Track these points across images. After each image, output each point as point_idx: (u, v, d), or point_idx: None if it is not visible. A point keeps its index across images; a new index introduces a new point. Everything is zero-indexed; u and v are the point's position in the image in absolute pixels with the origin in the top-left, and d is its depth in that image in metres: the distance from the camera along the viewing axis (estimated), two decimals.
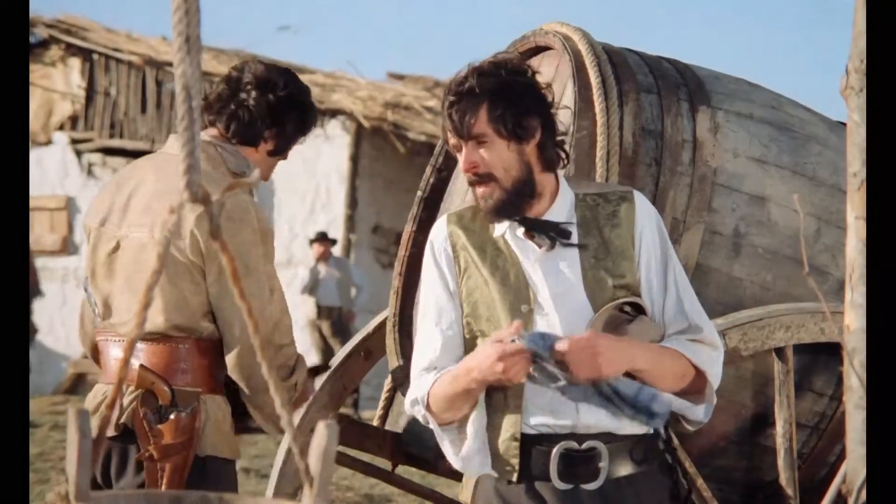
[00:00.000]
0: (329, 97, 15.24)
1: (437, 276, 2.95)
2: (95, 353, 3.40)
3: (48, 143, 16.62)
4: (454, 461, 2.92)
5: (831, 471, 3.51)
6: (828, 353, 3.44)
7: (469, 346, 2.91)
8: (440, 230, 2.99)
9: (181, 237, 3.12)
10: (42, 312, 14.80)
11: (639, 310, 2.88)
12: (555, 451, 2.83)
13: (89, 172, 16.32)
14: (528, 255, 2.88)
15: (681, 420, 2.91)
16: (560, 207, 2.91)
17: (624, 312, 2.87)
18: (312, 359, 13.33)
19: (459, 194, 3.79)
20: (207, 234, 3.10)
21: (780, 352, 3.33)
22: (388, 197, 15.34)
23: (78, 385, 14.87)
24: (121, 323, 3.23)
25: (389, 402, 4.03)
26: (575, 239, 2.88)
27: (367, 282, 14.17)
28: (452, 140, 2.90)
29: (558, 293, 2.84)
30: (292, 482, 3.88)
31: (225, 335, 3.15)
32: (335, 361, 4.05)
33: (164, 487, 3.07)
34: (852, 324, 2.07)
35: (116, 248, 3.22)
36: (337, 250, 14.22)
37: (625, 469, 2.86)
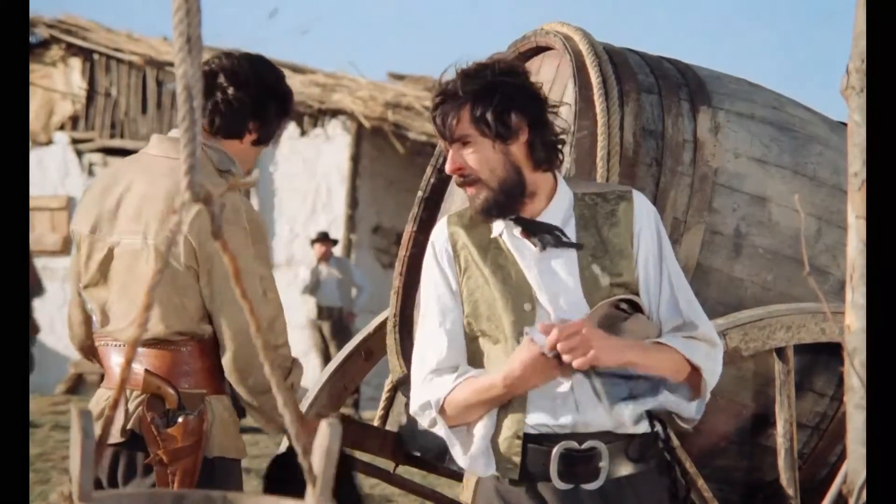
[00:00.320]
0: (330, 97, 15.24)
1: (439, 276, 2.95)
2: (88, 355, 3.40)
3: (49, 143, 16.63)
4: (462, 461, 2.92)
5: (832, 471, 3.51)
6: (828, 354, 3.44)
7: (470, 346, 2.91)
8: (441, 231, 2.99)
9: (175, 243, 3.11)
10: (43, 312, 14.80)
11: (636, 308, 2.89)
12: (555, 450, 2.83)
13: (90, 172, 16.32)
14: (525, 254, 2.88)
15: (675, 418, 2.90)
16: (557, 207, 2.91)
17: (620, 310, 2.87)
18: (313, 359, 13.34)
19: (460, 194, 3.78)
20: (199, 237, 3.10)
21: (780, 352, 3.33)
22: (389, 197, 15.34)
23: (79, 385, 14.88)
24: (118, 330, 3.22)
25: (390, 402, 4.03)
26: (573, 239, 2.88)
27: (368, 282, 14.17)
28: (441, 142, 2.93)
29: (555, 292, 2.84)
30: None
31: (220, 338, 3.15)
32: (336, 362, 4.05)
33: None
34: (853, 324, 2.07)
35: (109, 255, 3.21)
36: (338, 250, 14.21)
37: (625, 469, 2.86)
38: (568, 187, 2.96)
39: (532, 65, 3.74)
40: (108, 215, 3.23)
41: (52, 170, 16.53)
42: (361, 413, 11.98)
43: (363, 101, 15.10)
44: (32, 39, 16.51)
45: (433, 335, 2.93)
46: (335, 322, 13.72)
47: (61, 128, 16.65)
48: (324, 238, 13.78)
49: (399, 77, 17.69)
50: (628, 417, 2.84)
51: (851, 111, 2.07)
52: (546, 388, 2.83)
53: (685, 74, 3.60)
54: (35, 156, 16.32)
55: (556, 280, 2.85)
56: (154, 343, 3.15)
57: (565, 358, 2.69)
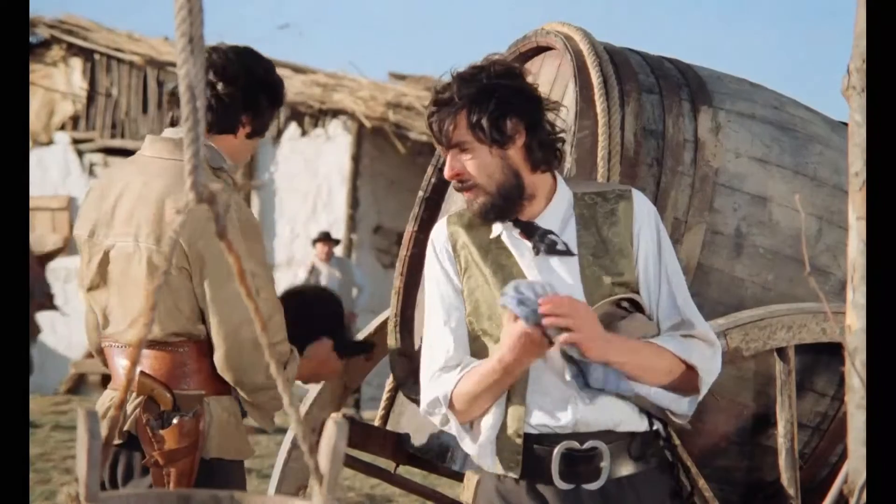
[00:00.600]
0: (331, 97, 15.24)
1: (441, 275, 2.95)
2: (103, 357, 3.41)
3: (50, 143, 16.63)
4: (472, 451, 2.91)
5: (833, 471, 3.51)
6: (829, 354, 3.44)
7: (473, 344, 2.91)
8: (441, 230, 3.00)
9: (165, 243, 3.11)
10: (44, 312, 14.79)
11: (637, 307, 2.89)
12: (556, 450, 2.84)
13: (91, 172, 16.33)
14: (525, 254, 2.88)
15: (668, 415, 2.90)
16: (556, 207, 2.91)
17: (621, 308, 2.88)
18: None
19: (460, 194, 3.79)
20: (189, 237, 3.09)
21: (781, 352, 3.33)
22: (390, 197, 15.35)
23: (80, 385, 14.89)
24: (118, 332, 3.23)
25: (391, 402, 4.03)
26: (573, 246, 2.88)
27: (369, 282, 14.17)
28: (438, 147, 2.94)
29: (557, 286, 2.84)
30: (294, 482, 3.89)
31: (213, 337, 3.15)
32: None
33: None
34: (854, 324, 2.07)
35: (106, 259, 3.21)
36: (338, 250, 14.21)
37: (626, 469, 2.87)
38: (567, 187, 2.96)
39: (533, 65, 3.74)
40: (104, 219, 3.23)
41: (52, 170, 16.53)
42: (362, 413, 11.99)
43: (364, 101, 15.10)
44: (33, 39, 16.53)
45: (439, 333, 2.93)
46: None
47: (62, 128, 16.65)
48: (326, 238, 13.78)
49: (400, 77, 17.70)
50: (633, 413, 2.84)
51: (852, 111, 2.07)
52: (545, 386, 2.84)
53: (686, 74, 3.60)
54: (36, 156, 16.33)
55: (556, 280, 2.85)
56: (151, 345, 3.16)
57: (546, 323, 2.67)
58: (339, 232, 14.80)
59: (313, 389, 3.99)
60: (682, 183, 3.42)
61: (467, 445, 2.91)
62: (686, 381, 2.87)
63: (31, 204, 15.45)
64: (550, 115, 2.95)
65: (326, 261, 13.67)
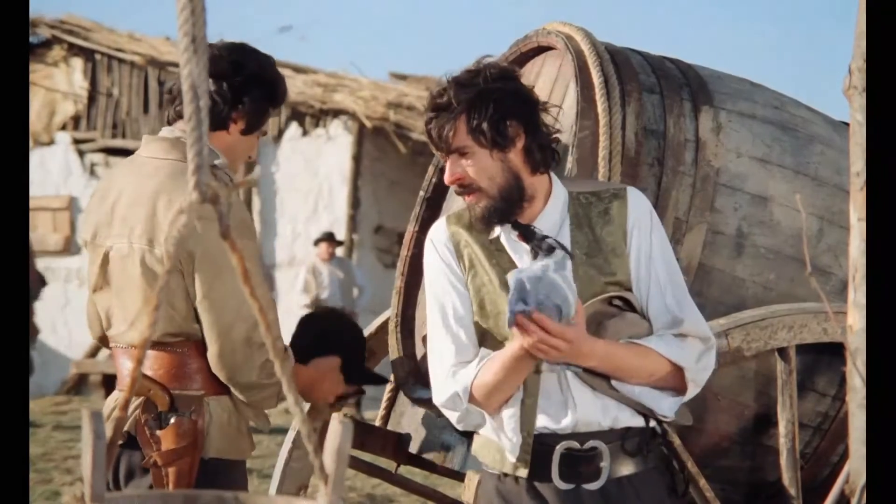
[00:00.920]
0: (331, 97, 15.24)
1: (444, 273, 2.95)
2: (108, 345, 3.41)
3: (51, 143, 16.63)
4: (508, 448, 2.91)
5: (834, 471, 3.51)
6: (831, 354, 3.44)
7: (481, 341, 2.91)
8: (441, 230, 3.00)
9: (158, 244, 3.11)
10: (45, 313, 14.80)
11: (629, 305, 2.89)
12: (556, 450, 2.84)
13: (92, 173, 16.33)
14: (522, 256, 2.89)
15: (654, 414, 2.90)
16: (553, 208, 2.92)
17: (614, 306, 2.88)
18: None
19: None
20: (172, 244, 3.08)
21: (782, 352, 3.33)
22: (391, 197, 15.34)
23: (81, 385, 14.89)
24: (120, 334, 3.23)
25: (392, 402, 4.02)
26: (568, 240, 2.88)
27: (370, 282, 14.17)
28: (437, 153, 2.93)
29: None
30: (295, 482, 3.89)
31: (205, 336, 3.14)
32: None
33: None
34: (855, 324, 2.07)
35: (106, 260, 3.21)
36: (339, 251, 14.21)
37: (626, 468, 2.87)
38: (563, 187, 2.96)
39: (534, 65, 3.74)
40: (104, 220, 3.23)
41: (54, 170, 16.53)
42: (363, 413, 11.99)
43: (365, 101, 15.10)
44: (34, 39, 16.52)
45: (449, 329, 2.92)
46: None
47: (63, 128, 16.65)
48: (329, 238, 13.78)
49: (401, 77, 17.70)
50: (629, 409, 2.85)
51: (853, 111, 2.07)
52: (546, 390, 2.84)
53: (687, 74, 3.60)
54: (37, 156, 16.33)
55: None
56: (151, 346, 3.15)
57: (533, 352, 2.72)
58: (340, 232, 14.79)
59: None
60: (683, 183, 3.42)
61: (505, 442, 2.89)
62: (673, 380, 2.87)
63: (33, 204, 15.44)
64: (546, 116, 2.95)
65: (328, 261, 13.67)
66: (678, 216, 3.40)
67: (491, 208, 2.87)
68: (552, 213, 2.91)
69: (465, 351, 2.90)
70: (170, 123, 3.33)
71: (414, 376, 3.66)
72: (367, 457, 4.03)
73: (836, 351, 3.39)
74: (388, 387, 3.98)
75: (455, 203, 3.79)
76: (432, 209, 3.89)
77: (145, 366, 3.15)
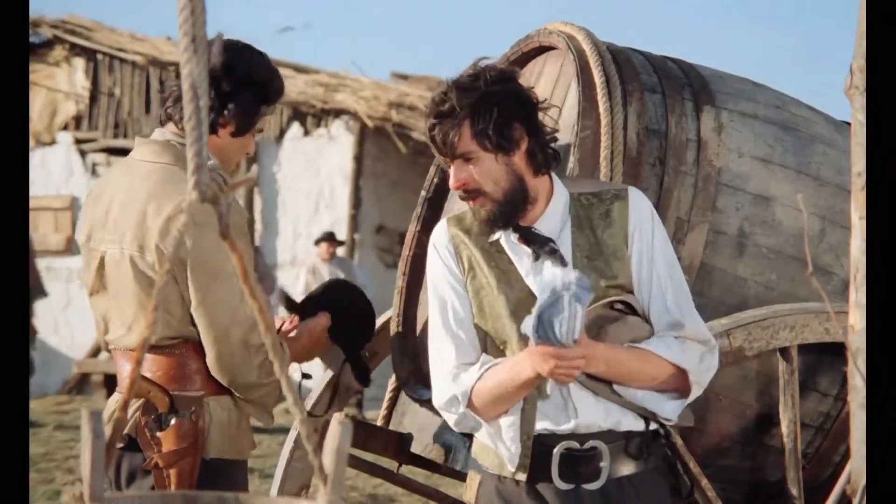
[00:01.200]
0: (333, 97, 15.24)
1: (445, 275, 2.95)
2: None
3: (52, 143, 16.63)
4: (507, 456, 2.91)
5: (836, 471, 3.51)
6: (832, 354, 3.44)
7: (482, 345, 2.91)
8: (442, 233, 2.99)
9: (148, 250, 3.10)
10: (46, 313, 14.80)
11: (631, 309, 2.89)
12: (556, 450, 2.84)
13: (93, 172, 16.33)
14: (523, 259, 2.89)
15: (657, 418, 2.90)
16: (554, 209, 2.91)
17: (615, 310, 2.87)
18: (316, 358, 13.30)
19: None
20: (171, 245, 3.08)
21: (784, 352, 3.33)
22: (392, 197, 15.34)
23: (83, 385, 14.89)
24: (118, 338, 3.22)
25: (393, 401, 4.02)
26: (568, 249, 2.88)
27: (371, 282, 14.16)
28: (440, 158, 2.92)
29: None
30: (296, 482, 3.88)
31: (203, 340, 3.14)
32: (339, 361, 4.04)
33: None
34: (857, 324, 2.07)
35: (101, 264, 3.21)
36: (340, 251, 14.20)
37: (626, 468, 2.87)
38: (564, 188, 2.96)
39: (535, 64, 3.74)
40: (99, 223, 3.22)
41: (55, 170, 16.53)
42: (365, 413, 11.99)
43: (366, 101, 15.10)
44: (36, 39, 16.52)
45: (450, 331, 2.92)
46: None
47: (65, 128, 16.65)
48: (330, 238, 13.77)
49: (402, 77, 17.69)
50: (631, 413, 2.85)
51: (855, 110, 2.07)
52: (551, 392, 2.84)
53: (688, 74, 3.60)
54: (38, 156, 16.33)
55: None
56: (148, 349, 3.15)
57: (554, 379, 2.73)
58: (341, 232, 14.79)
59: (315, 390, 3.99)
60: (684, 183, 3.42)
61: (503, 451, 2.89)
62: (676, 383, 2.87)
63: (34, 204, 15.44)
64: (543, 116, 2.95)
65: (329, 261, 13.66)
66: (680, 216, 3.40)
67: (496, 212, 2.86)
68: (553, 214, 2.91)
69: (465, 352, 2.89)
70: (162, 125, 3.31)
71: (415, 376, 3.66)
72: (368, 457, 4.03)
73: (838, 351, 3.39)
74: (390, 387, 3.99)
75: (456, 203, 3.79)
76: (434, 209, 3.89)
77: (144, 368, 3.15)
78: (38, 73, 16.51)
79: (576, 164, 3.33)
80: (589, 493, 2.85)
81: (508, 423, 2.86)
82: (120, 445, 3.15)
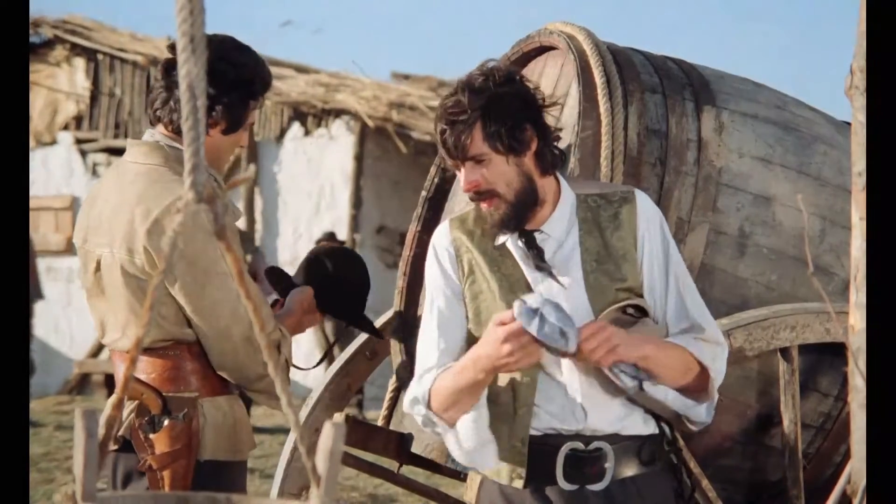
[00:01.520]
0: (333, 97, 15.24)
1: (441, 278, 2.94)
2: None
3: (53, 143, 16.63)
4: (461, 459, 2.91)
5: (837, 471, 3.51)
6: (833, 354, 3.44)
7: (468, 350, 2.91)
8: (443, 234, 2.99)
9: (137, 253, 3.10)
10: (47, 312, 14.80)
11: (642, 312, 2.88)
12: (561, 451, 2.83)
13: (94, 172, 16.33)
14: (529, 262, 2.88)
15: (685, 421, 2.90)
16: (562, 212, 2.90)
17: (627, 314, 2.86)
18: (317, 358, 13.31)
19: (464, 194, 3.78)
20: (158, 247, 3.07)
21: (785, 352, 3.33)
22: (393, 197, 15.34)
23: (83, 385, 14.89)
24: (114, 341, 3.22)
25: (394, 402, 4.02)
26: (577, 252, 2.87)
27: (372, 282, 14.14)
28: (449, 161, 2.89)
29: (559, 298, 2.83)
30: (297, 482, 3.88)
31: (203, 343, 3.14)
32: (340, 361, 4.04)
33: None
34: (857, 324, 2.07)
35: (97, 267, 3.21)
36: None
37: (630, 470, 2.86)
38: (570, 189, 2.95)
39: (536, 64, 3.74)
40: (93, 227, 3.22)
41: (56, 170, 16.53)
42: (365, 413, 11.98)
43: (367, 101, 15.09)
44: (37, 39, 16.52)
45: (431, 336, 2.92)
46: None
47: (65, 128, 16.65)
48: (331, 238, 13.76)
49: (403, 77, 17.69)
50: (639, 417, 2.85)
51: (855, 111, 2.07)
52: (551, 394, 2.83)
53: (689, 74, 3.60)
54: (39, 156, 16.33)
55: (558, 287, 2.85)
56: (142, 352, 3.14)
57: (591, 357, 2.69)
58: (342, 232, 14.78)
59: (316, 390, 3.99)
60: (685, 183, 3.41)
61: (451, 446, 2.89)
62: (700, 382, 2.87)
63: (34, 204, 15.45)
64: (548, 116, 2.94)
65: None
66: (680, 216, 3.40)
67: (510, 214, 2.85)
68: (562, 216, 2.90)
69: (440, 360, 2.88)
70: (152, 126, 3.30)
71: None
72: (369, 457, 4.03)
73: (838, 351, 3.38)
74: (391, 387, 3.99)
75: (457, 203, 3.79)
76: (434, 209, 3.89)
77: (139, 370, 3.15)
78: (39, 72, 16.51)
79: (576, 164, 3.33)
80: (593, 493, 2.85)
81: (471, 431, 2.84)
82: (115, 447, 3.15)
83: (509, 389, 2.84)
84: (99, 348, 14.56)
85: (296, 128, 15.31)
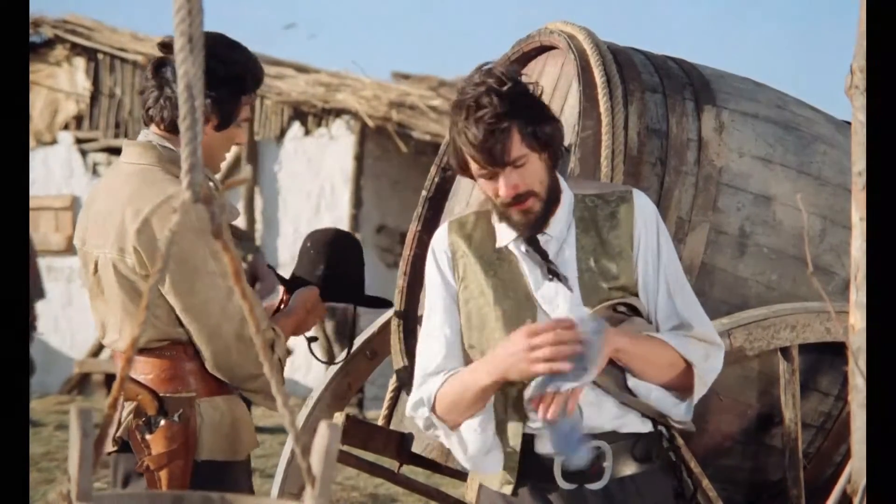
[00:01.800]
0: (333, 97, 15.24)
1: (439, 281, 2.94)
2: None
3: (53, 142, 16.63)
4: (464, 462, 2.91)
5: (837, 470, 3.51)
6: (833, 353, 3.44)
7: (464, 354, 2.91)
8: (442, 237, 2.98)
9: (128, 253, 3.10)
10: (47, 312, 14.80)
11: (634, 310, 2.88)
12: None
13: (94, 172, 16.33)
14: (537, 267, 2.88)
15: (669, 422, 2.89)
16: (562, 212, 2.90)
17: (618, 312, 2.86)
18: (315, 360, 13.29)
19: (464, 194, 3.78)
20: (149, 248, 3.07)
21: (785, 351, 3.33)
22: (393, 196, 15.34)
23: (84, 385, 14.90)
24: (113, 341, 3.23)
25: (394, 401, 4.02)
26: (573, 250, 2.87)
27: (372, 281, 14.12)
28: (481, 171, 2.81)
29: (553, 296, 2.83)
30: (297, 482, 3.88)
31: (196, 342, 3.14)
32: (340, 362, 4.04)
33: None
34: (857, 323, 2.07)
35: (95, 268, 3.21)
36: None
37: (629, 468, 2.86)
38: (569, 188, 2.95)
39: (536, 64, 3.74)
40: (91, 228, 3.23)
41: (56, 169, 16.53)
42: (366, 412, 11.99)
43: (367, 101, 15.09)
44: (37, 39, 16.52)
45: (432, 339, 2.92)
46: (339, 321, 13.70)
47: (65, 127, 16.65)
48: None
49: (403, 76, 17.69)
50: (636, 415, 2.85)
51: (856, 110, 2.07)
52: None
53: (690, 74, 3.60)
54: (39, 155, 16.33)
55: (556, 286, 2.84)
56: (139, 351, 3.14)
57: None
58: None
59: (316, 390, 3.99)
60: (685, 182, 3.41)
61: (455, 450, 2.89)
62: (684, 379, 2.86)
63: (35, 203, 15.45)
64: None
65: None
66: (681, 216, 3.39)
67: (542, 212, 2.84)
68: (561, 217, 2.90)
69: (443, 362, 2.88)
70: (146, 126, 3.30)
71: None
72: (369, 456, 4.03)
73: (839, 351, 3.38)
74: (391, 386, 3.99)
75: (457, 203, 3.79)
76: (434, 209, 3.89)
77: (137, 370, 3.15)
78: (39, 72, 16.51)
79: (577, 163, 3.33)
80: (592, 492, 2.84)
81: (476, 436, 2.85)
82: (114, 449, 3.16)
83: (500, 396, 2.84)
84: (99, 348, 14.57)
85: (296, 127, 15.32)
